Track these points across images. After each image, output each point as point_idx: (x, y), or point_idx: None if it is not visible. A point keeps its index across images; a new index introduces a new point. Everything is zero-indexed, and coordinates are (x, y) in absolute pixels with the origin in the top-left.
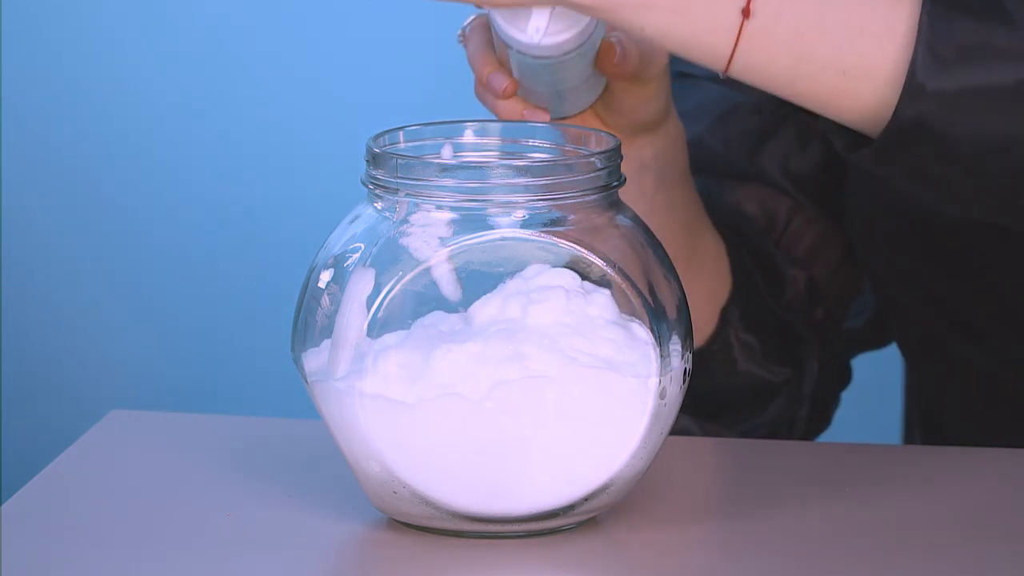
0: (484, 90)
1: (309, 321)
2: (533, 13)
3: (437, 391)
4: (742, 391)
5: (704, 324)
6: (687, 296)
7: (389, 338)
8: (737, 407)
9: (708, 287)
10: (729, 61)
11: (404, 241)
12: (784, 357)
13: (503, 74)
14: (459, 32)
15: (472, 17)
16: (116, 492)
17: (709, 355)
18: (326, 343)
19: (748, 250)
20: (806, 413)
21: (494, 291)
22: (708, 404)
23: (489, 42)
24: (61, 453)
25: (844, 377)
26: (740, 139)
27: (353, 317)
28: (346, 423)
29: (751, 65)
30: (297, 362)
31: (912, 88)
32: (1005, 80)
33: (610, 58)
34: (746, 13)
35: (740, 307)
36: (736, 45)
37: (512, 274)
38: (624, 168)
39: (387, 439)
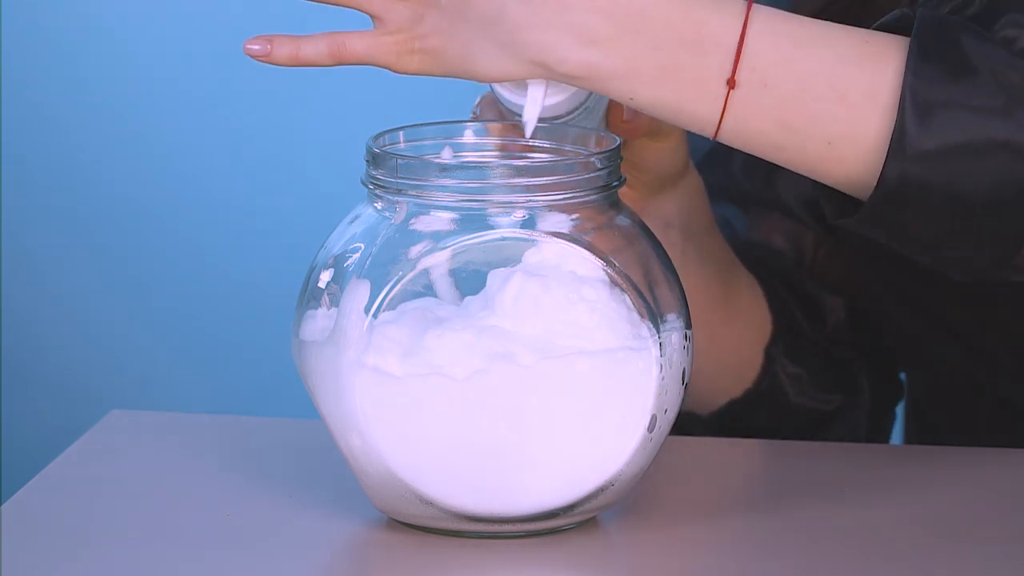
0: None
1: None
2: (529, 84)
3: (426, 369)
4: (800, 424)
5: (750, 366)
6: (727, 341)
7: (386, 316)
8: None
9: (748, 330)
10: (717, 129)
11: (404, 241)
12: (833, 383)
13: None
14: (471, 114)
15: (480, 97)
16: (116, 492)
17: (760, 395)
18: (321, 313)
19: (783, 284)
20: (864, 435)
21: (491, 283)
22: None
23: (501, 115)
24: (61, 453)
25: (897, 392)
26: (756, 165)
27: (353, 315)
28: (335, 392)
29: (739, 132)
30: (293, 336)
31: (896, 152)
32: (979, 136)
33: (619, 116)
34: (731, 84)
35: (784, 344)
36: (723, 114)
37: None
38: (650, 226)
39: (372, 411)
